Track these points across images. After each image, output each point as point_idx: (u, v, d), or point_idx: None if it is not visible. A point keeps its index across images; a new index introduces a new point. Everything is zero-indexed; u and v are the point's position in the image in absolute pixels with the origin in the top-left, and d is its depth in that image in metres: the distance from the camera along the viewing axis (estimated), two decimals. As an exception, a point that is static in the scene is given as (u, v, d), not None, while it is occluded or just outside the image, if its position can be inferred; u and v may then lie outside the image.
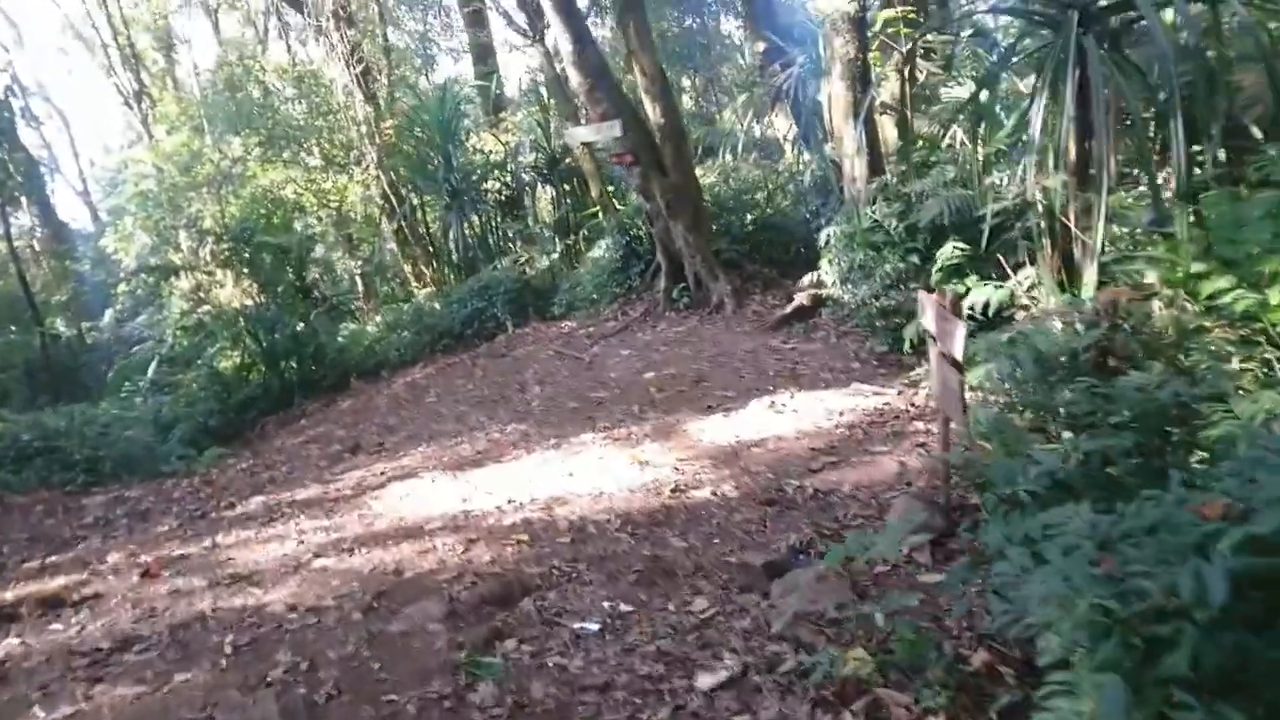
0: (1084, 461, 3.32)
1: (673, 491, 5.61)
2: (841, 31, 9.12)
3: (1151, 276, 5.63)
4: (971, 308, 6.49)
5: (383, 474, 7.11)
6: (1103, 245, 5.58)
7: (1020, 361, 4.68)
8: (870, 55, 9.50)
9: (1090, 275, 5.64)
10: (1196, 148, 5.72)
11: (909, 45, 9.55)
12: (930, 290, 5.52)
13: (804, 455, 6.02)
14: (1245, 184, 5.57)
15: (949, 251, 8.04)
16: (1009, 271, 6.92)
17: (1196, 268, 5.71)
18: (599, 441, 6.93)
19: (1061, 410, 4.16)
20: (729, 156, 15.20)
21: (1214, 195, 6.76)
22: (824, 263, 9.75)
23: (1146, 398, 3.37)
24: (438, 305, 14.39)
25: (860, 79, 9.26)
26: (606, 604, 4.22)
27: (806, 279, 9.99)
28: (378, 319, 16.15)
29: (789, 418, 6.84)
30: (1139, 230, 6.01)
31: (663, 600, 4.23)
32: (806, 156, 13.24)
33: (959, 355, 3.99)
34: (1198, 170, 6.37)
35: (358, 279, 20.06)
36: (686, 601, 4.19)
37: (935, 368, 4.58)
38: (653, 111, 11.03)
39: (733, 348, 9.34)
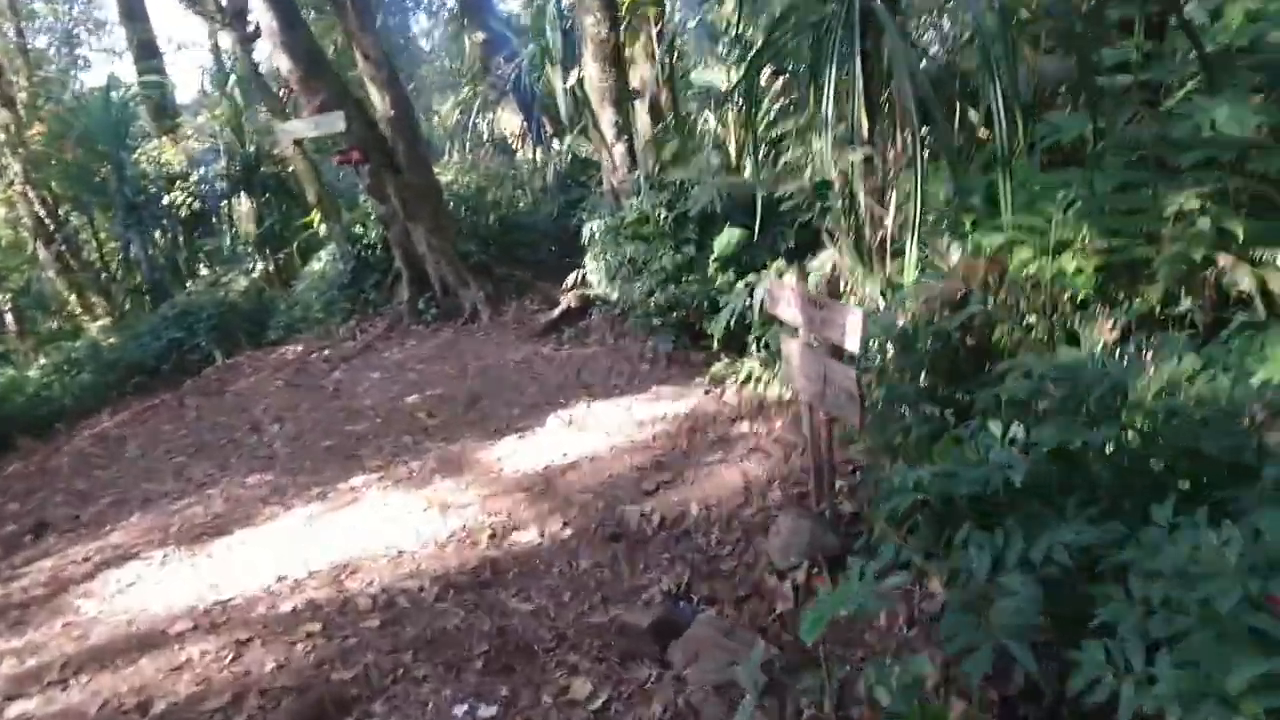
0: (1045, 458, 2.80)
1: (491, 538, 4.61)
2: (591, 10, 8.44)
3: (955, 252, 5.48)
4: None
5: (87, 559, 5.40)
6: (918, 221, 5.32)
7: (886, 347, 4.22)
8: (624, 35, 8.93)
9: (912, 253, 5.36)
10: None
11: (659, 26, 9.11)
12: (810, 281, 4.96)
13: (629, 475, 5.25)
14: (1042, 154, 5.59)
15: (727, 240, 7.66)
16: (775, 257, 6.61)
17: (997, 240, 5.67)
18: (375, 485, 5.72)
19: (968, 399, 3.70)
20: (455, 155, 14.12)
21: (1018, 166, 6.84)
22: (588, 260, 9.03)
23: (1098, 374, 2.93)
24: (119, 339, 12.04)
25: (614, 61, 8.65)
26: (460, 710, 3.18)
27: (571, 279, 9.23)
28: (41, 360, 13.31)
29: (595, 433, 6.03)
30: (944, 204, 5.85)
31: (532, 692, 3.26)
32: (556, 148, 12.49)
33: (854, 345, 3.39)
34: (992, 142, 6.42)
35: (6, 315, 16.62)
36: (564, 688, 3.25)
37: (800, 362, 3.98)
38: (380, 102, 9.76)
39: (501, 360, 8.37)
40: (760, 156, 7.38)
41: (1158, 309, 4.48)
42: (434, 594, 4.09)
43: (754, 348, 6.71)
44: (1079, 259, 4.88)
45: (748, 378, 6.47)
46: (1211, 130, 4.91)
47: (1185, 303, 4.38)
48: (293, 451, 6.92)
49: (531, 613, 3.84)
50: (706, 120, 9.61)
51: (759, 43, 8.14)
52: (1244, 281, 4.64)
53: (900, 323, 4.17)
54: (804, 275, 4.16)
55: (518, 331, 9.27)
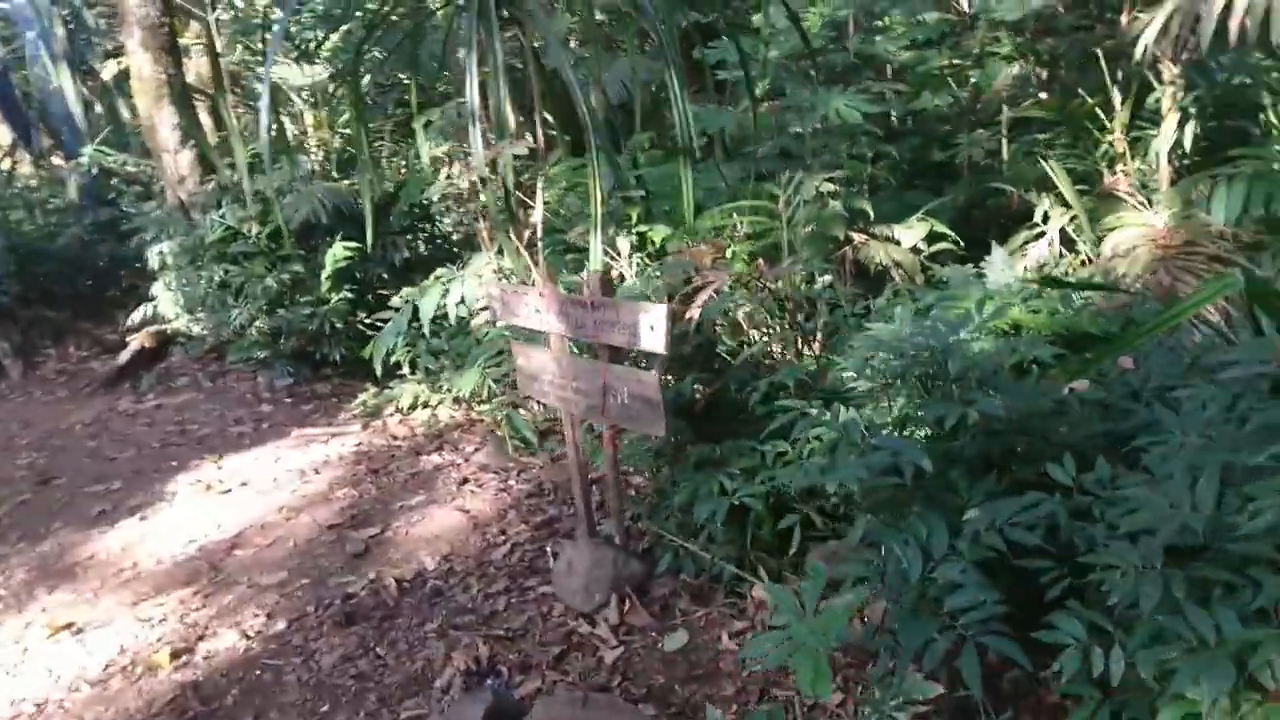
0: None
1: (175, 656, 3.47)
2: (134, -13, 6.96)
3: (624, 245, 5.45)
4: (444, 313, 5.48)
5: None
6: (600, 215, 5.14)
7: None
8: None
9: (596, 249, 5.16)
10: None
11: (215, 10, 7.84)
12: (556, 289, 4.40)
13: (323, 538, 4.35)
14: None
15: (339, 253, 6.85)
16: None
17: (642, 228, 5.74)
18: (-60, 620, 4.06)
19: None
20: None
21: (659, 157, 6.94)
22: (159, 290, 7.48)
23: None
24: None
25: (169, 50, 7.24)
26: None
27: (137, 315, 7.55)
28: None
29: (248, 495, 4.94)
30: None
31: None
32: (74, 160, 10.18)
33: (658, 345, 3.07)
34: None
35: None
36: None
37: (559, 372, 3.56)
38: None
39: (62, 424, 6.56)
40: (369, 158, 6.70)
41: (802, 286, 4.65)
42: (126, 754, 2.96)
43: (408, 370, 6.05)
44: (734, 245, 5.10)
45: (413, 404, 5.81)
46: (838, 119, 5.43)
47: (823, 279, 4.58)
48: None
49: (295, 741, 2.95)
50: (285, 122, 8.53)
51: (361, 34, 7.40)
52: (879, 255, 5.19)
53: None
54: (552, 276, 3.73)
55: (71, 386, 7.39)
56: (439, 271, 5.71)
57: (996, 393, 2.58)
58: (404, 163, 8.52)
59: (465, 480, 4.75)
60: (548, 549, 3.93)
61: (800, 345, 4.08)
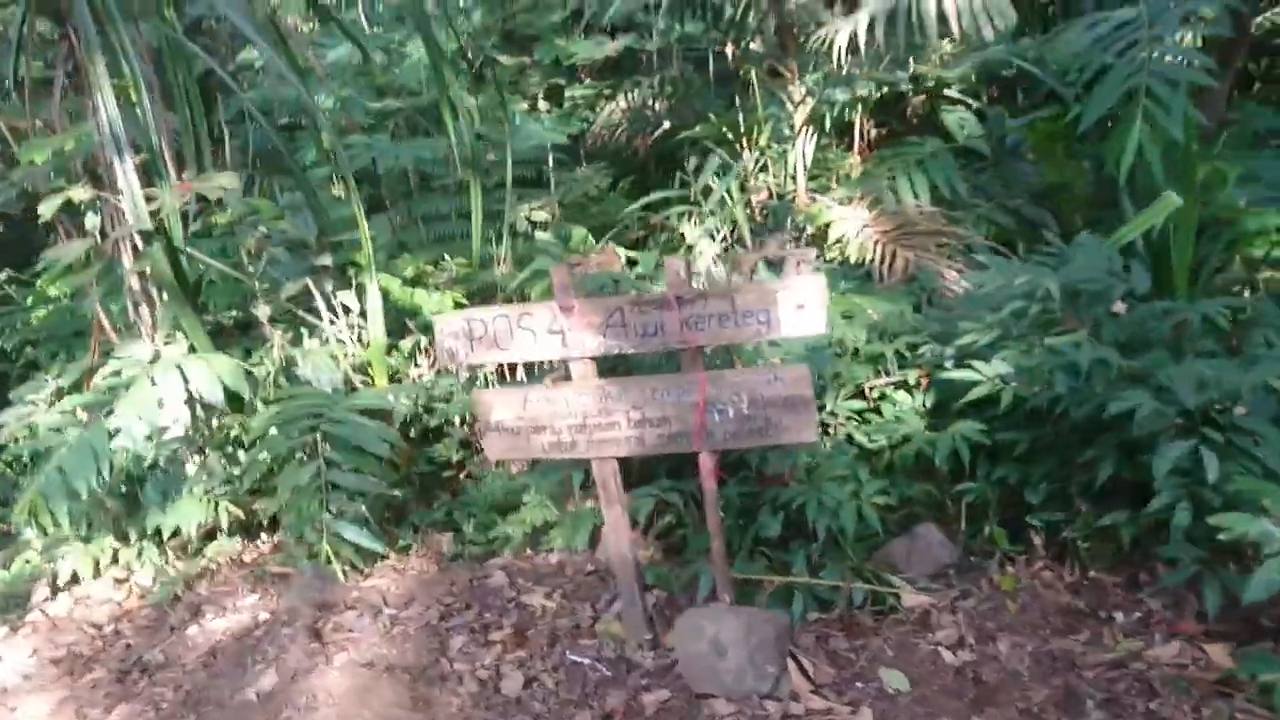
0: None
1: None
2: None
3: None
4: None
5: None
6: (372, 260, 4.01)
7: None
8: None
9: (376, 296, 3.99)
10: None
11: None
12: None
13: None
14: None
15: None
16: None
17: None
18: None
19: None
20: None
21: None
22: None
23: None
24: None
25: None
26: None
27: None
28: None
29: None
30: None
31: None
32: None
33: (819, 326, 2.52)
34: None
35: None
36: None
37: (612, 408, 2.75)
38: None
39: None
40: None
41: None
42: None
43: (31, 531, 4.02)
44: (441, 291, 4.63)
45: (92, 572, 3.87)
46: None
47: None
48: None
49: None
50: None
51: None
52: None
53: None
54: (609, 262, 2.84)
55: None
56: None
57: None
58: None
59: (317, 637, 3.30)
60: (580, 662, 2.96)
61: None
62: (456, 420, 4.02)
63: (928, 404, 3.28)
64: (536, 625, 3.18)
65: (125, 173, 3.83)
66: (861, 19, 4.80)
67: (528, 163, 5.55)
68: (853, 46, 4.81)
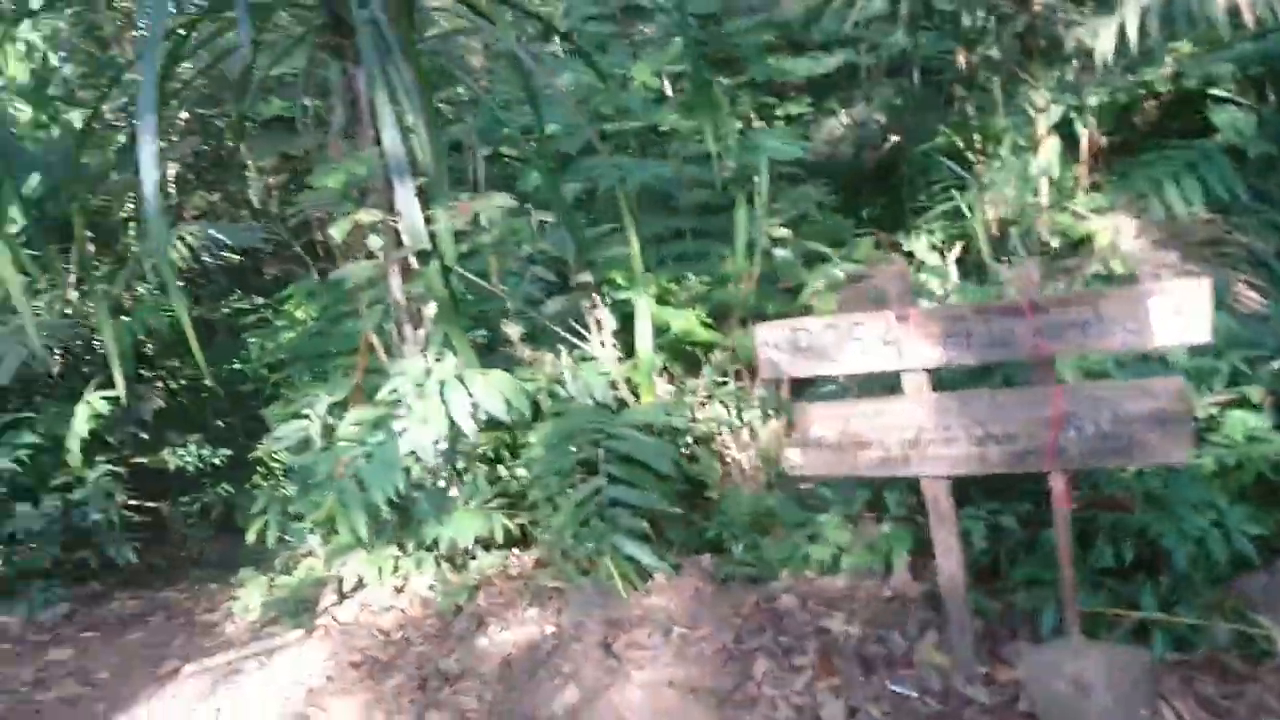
0: None
1: None
2: None
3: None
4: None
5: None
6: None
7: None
8: None
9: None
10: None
11: None
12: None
13: None
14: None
15: (95, 408, 4.69)
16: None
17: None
18: None
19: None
20: None
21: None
22: None
23: None
24: None
25: None
26: None
27: None
28: None
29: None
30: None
31: None
32: None
33: (1204, 335, 2.30)
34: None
35: None
36: None
37: (951, 422, 2.60)
38: None
39: None
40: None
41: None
42: None
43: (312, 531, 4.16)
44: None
45: (374, 578, 3.98)
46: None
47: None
48: None
49: None
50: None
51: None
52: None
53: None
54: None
55: None
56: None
57: None
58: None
59: (610, 653, 3.26)
60: (905, 694, 2.80)
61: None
62: (719, 436, 3.94)
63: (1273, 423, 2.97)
64: (842, 652, 3.03)
65: (406, 196, 3.96)
66: (1129, 15, 4.51)
67: (747, 180, 5.49)
68: (1119, 46, 4.54)
